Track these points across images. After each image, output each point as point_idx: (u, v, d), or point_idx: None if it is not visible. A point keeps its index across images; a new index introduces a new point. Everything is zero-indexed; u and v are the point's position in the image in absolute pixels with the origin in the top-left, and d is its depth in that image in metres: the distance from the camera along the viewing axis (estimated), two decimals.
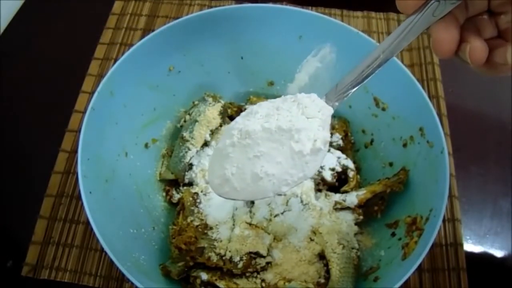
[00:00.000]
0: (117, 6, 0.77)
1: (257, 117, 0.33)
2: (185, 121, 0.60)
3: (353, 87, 0.34)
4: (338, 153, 0.56)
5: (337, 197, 0.54)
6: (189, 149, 0.56)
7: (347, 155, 0.57)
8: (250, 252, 0.49)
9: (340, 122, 0.61)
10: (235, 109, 0.62)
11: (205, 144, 0.57)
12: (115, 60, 0.62)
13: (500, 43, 0.30)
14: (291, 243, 0.52)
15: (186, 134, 0.57)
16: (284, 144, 0.32)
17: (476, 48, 0.29)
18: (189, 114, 0.60)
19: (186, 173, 0.56)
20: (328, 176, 0.54)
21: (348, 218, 0.54)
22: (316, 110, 0.33)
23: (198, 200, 0.53)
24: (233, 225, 0.52)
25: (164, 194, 0.58)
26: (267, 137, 0.32)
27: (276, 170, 0.32)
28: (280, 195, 0.51)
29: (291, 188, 0.34)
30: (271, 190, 0.33)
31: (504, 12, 0.30)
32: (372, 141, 0.60)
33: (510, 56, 0.29)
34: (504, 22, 0.31)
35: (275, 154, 0.32)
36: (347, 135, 0.60)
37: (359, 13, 0.76)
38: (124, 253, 0.45)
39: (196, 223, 0.51)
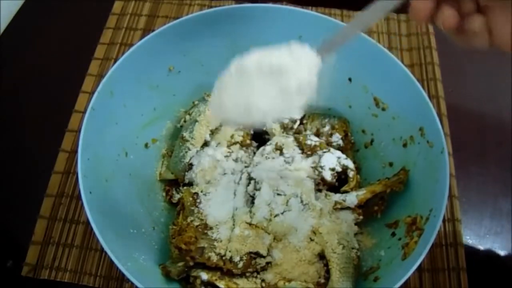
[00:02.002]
0: (117, 6, 0.77)
1: (252, 58, 0.37)
2: (185, 121, 0.60)
3: (343, 42, 0.38)
4: (338, 153, 0.56)
5: (337, 197, 0.54)
6: (189, 149, 0.56)
7: (347, 155, 0.57)
8: (250, 252, 0.49)
9: (340, 122, 0.61)
10: None
11: (205, 144, 0.57)
12: (115, 60, 0.62)
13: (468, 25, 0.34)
14: (291, 243, 0.52)
15: (186, 134, 0.57)
16: (274, 83, 0.36)
17: (448, 15, 0.33)
18: (189, 114, 0.60)
19: (186, 173, 0.56)
20: (328, 176, 0.54)
21: (348, 218, 0.54)
22: (305, 57, 0.37)
23: (198, 200, 0.53)
24: (233, 225, 0.52)
25: (164, 194, 0.58)
26: (259, 76, 0.36)
27: (266, 103, 0.36)
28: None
29: (277, 119, 0.45)
30: (261, 119, 0.38)
31: None
32: (372, 141, 0.60)
33: (478, 24, 0.33)
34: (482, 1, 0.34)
35: (265, 90, 0.36)
36: (347, 135, 0.60)
37: (359, 13, 0.75)
38: (124, 253, 0.45)
39: (196, 223, 0.51)
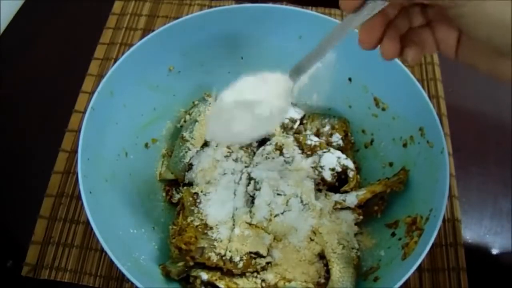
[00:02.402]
0: (117, 6, 0.77)
1: (230, 96, 0.42)
2: (185, 121, 0.60)
3: (311, 65, 0.41)
4: (338, 153, 0.56)
5: (337, 197, 0.54)
6: (189, 149, 0.56)
7: (347, 155, 0.57)
8: (250, 252, 0.49)
9: (340, 122, 0.61)
10: None
11: (205, 144, 0.57)
12: (115, 60, 0.62)
13: (416, 38, 0.37)
14: (291, 243, 0.52)
15: (186, 134, 0.57)
16: (249, 113, 0.42)
17: (386, 49, 0.37)
18: (189, 114, 0.60)
19: (186, 173, 0.56)
20: (328, 176, 0.54)
21: (348, 218, 0.54)
22: (277, 85, 0.42)
23: (198, 200, 0.53)
24: (233, 225, 0.52)
25: (164, 194, 0.58)
26: (237, 109, 0.42)
27: (244, 129, 0.43)
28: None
29: (256, 139, 0.56)
30: (244, 140, 0.50)
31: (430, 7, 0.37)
32: (372, 141, 0.60)
33: (411, 57, 0.37)
34: (431, 15, 0.37)
35: (243, 119, 0.42)
36: (347, 135, 0.60)
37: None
38: (124, 253, 0.45)
39: (196, 223, 0.51)
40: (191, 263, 0.49)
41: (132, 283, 0.41)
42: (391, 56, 0.38)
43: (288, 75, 0.42)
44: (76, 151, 0.54)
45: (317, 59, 0.40)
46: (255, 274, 0.50)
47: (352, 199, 0.53)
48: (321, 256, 0.51)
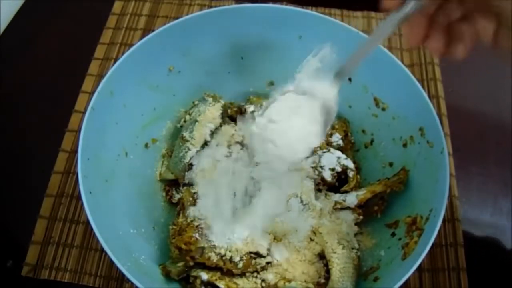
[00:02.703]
0: (117, 6, 0.77)
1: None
2: (185, 121, 0.60)
3: (356, 66, 0.42)
4: (338, 153, 0.56)
5: (337, 197, 0.54)
6: (189, 149, 0.56)
7: (347, 155, 0.57)
8: (250, 252, 0.49)
9: (340, 122, 0.61)
10: (235, 109, 0.62)
11: (205, 144, 0.57)
12: (115, 60, 0.62)
13: (459, 32, 0.38)
14: (291, 243, 0.52)
15: (186, 134, 0.57)
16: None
17: (434, 46, 0.38)
18: (189, 114, 0.60)
19: (186, 173, 0.56)
20: (328, 176, 0.54)
21: (348, 218, 0.54)
22: (322, 95, 0.43)
23: (198, 200, 0.53)
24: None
25: (164, 194, 0.58)
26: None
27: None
28: None
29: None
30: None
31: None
32: (372, 141, 0.60)
33: (460, 50, 0.38)
34: (468, 7, 0.37)
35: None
36: (347, 135, 0.60)
37: (359, 13, 0.76)
38: (124, 253, 0.45)
39: (196, 223, 0.51)
40: (191, 263, 0.49)
41: (132, 283, 0.41)
42: (440, 53, 0.38)
43: (332, 77, 0.43)
44: (76, 151, 0.54)
45: (362, 59, 0.41)
46: (255, 274, 0.50)
47: (352, 199, 0.53)
48: (321, 256, 0.51)
